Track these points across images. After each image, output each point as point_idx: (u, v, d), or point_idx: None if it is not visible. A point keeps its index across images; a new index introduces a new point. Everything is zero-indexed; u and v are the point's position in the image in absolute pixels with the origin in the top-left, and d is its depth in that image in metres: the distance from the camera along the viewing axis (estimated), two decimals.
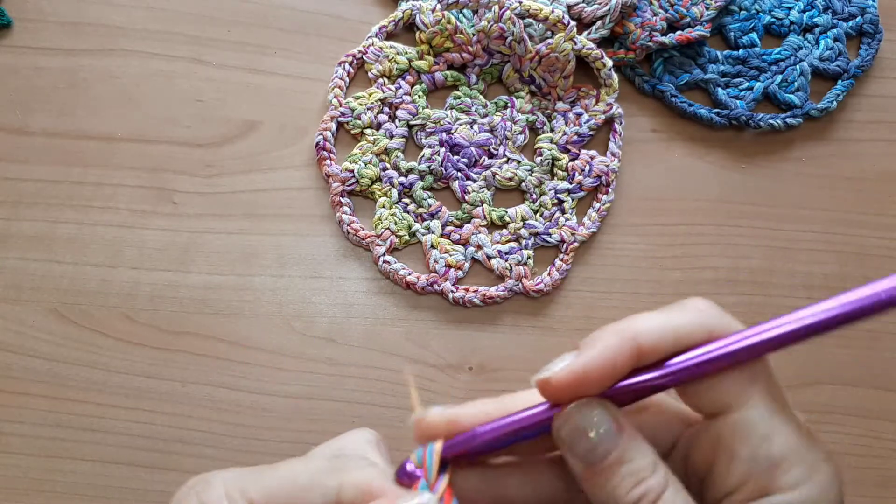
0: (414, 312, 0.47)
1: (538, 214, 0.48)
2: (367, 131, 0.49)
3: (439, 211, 0.48)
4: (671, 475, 0.21)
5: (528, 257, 0.47)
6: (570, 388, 0.21)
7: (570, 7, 0.51)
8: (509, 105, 0.50)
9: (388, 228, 0.47)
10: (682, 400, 0.24)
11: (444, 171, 0.48)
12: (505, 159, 0.49)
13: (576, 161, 0.49)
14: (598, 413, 0.21)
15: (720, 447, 0.22)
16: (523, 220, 0.48)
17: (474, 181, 0.49)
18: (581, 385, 0.21)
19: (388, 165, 0.49)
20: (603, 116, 0.50)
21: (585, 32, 0.50)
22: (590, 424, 0.21)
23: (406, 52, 0.51)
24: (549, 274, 0.47)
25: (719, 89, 0.51)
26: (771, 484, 0.21)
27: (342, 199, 0.48)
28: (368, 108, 0.49)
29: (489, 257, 0.47)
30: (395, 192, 0.48)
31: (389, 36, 0.52)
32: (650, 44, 0.50)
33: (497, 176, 0.49)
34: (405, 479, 0.23)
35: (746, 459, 0.21)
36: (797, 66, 0.52)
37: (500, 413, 0.23)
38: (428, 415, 0.23)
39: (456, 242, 0.48)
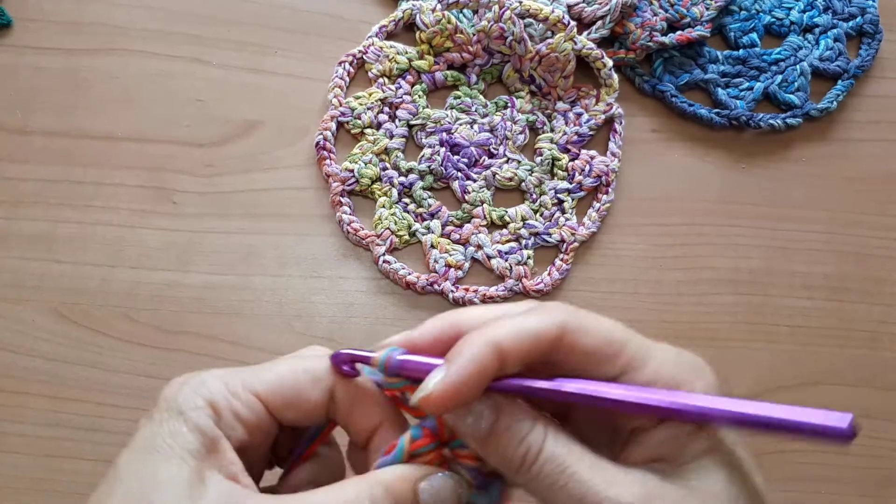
0: (414, 312, 0.47)
1: (538, 214, 0.48)
2: (367, 131, 0.49)
3: (439, 211, 0.48)
4: (550, 428, 0.24)
5: (528, 257, 0.47)
6: (447, 401, 0.23)
7: (570, 7, 0.51)
8: (509, 105, 0.50)
9: (388, 228, 0.47)
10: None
11: (444, 171, 0.48)
12: (505, 159, 0.49)
13: (576, 161, 0.49)
14: (476, 404, 0.24)
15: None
16: (523, 220, 0.48)
17: (474, 181, 0.49)
18: (456, 397, 0.23)
19: (388, 165, 0.49)
20: (603, 116, 0.50)
21: (585, 32, 0.50)
22: (470, 412, 0.24)
23: (406, 52, 0.51)
24: (549, 274, 0.47)
25: (719, 89, 0.51)
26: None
27: (342, 199, 0.48)
28: (368, 108, 0.49)
29: (489, 257, 0.47)
30: (395, 192, 0.48)
31: (389, 36, 0.52)
32: (650, 44, 0.50)
33: (497, 176, 0.49)
34: (343, 366, 0.26)
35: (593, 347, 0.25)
36: (797, 66, 0.52)
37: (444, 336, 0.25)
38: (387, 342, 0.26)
39: (456, 242, 0.48)
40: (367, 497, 0.24)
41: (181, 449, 0.24)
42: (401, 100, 0.50)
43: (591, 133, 0.50)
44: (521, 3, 0.49)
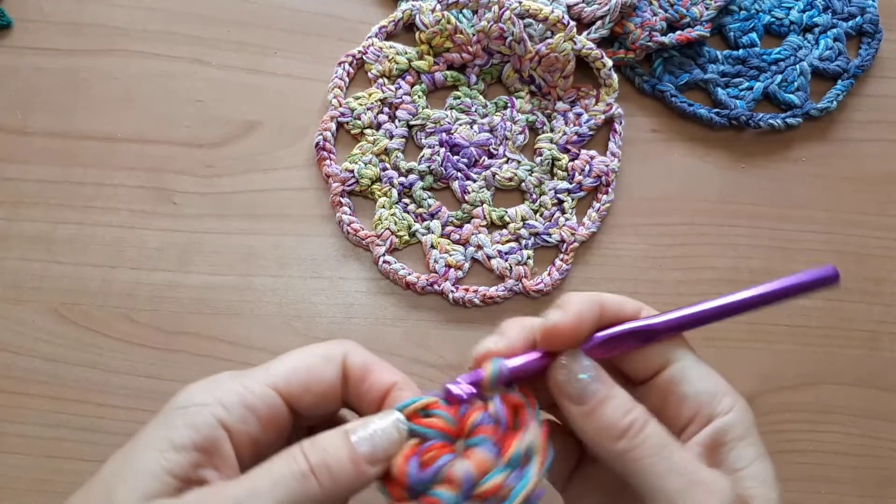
0: (414, 312, 0.47)
1: (538, 214, 0.48)
2: (367, 131, 0.49)
3: (439, 211, 0.48)
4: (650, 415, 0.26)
5: (528, 257, 0.47)
6: (569, 330, 0.26)
7: (570, 7, 0.51)
8: (509, 105, 0.50)
9: (388, 228, 0.47)
10: (623, 369, 0.29)
11: (444, 171, 0.48)
12: (505, 159, 0.49)
13: (576, 161, 0.49)
14: (586, 362, 0.27)
15: (668, 394, 0.28)
16: (523, 220, 0.48)
17: (474, 181, 0.49)
18: (575, 329, 0.27)
19: (388, 165, 0.49)
20: (603, 116, 0.50)
21: (585, 32, 0.50)
22: (580, 369, 0.26)
23: (406, 52, 0.51)
24: (549, 274, 0.47)
25: (719, 89, 0.51)
26: (713, 411, 0.27)
27: (342, 199, 0.48)
28: (368, 108, 0.49)
29: (489, 257, 0.47)
30: (395, 192, 0.48)
31: (389, 36, 0.52)
32: (650, 44, 0.50)
33: (497, 176, 0.49)
34: (451, 396, 0.27)
35: (693, 396, 0.27)
36: (797, 66, 0.52)
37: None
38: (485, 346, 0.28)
39: (456, 242, 0.48)
40: (298, 468, 0.24)
41: (165, 442, 0.24)
42: (400, 100, 0.50)
43: (590, 133, 0.50)
44: (520, 3, 0.49)
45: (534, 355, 0.27)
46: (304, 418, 0.28)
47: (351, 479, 0.25)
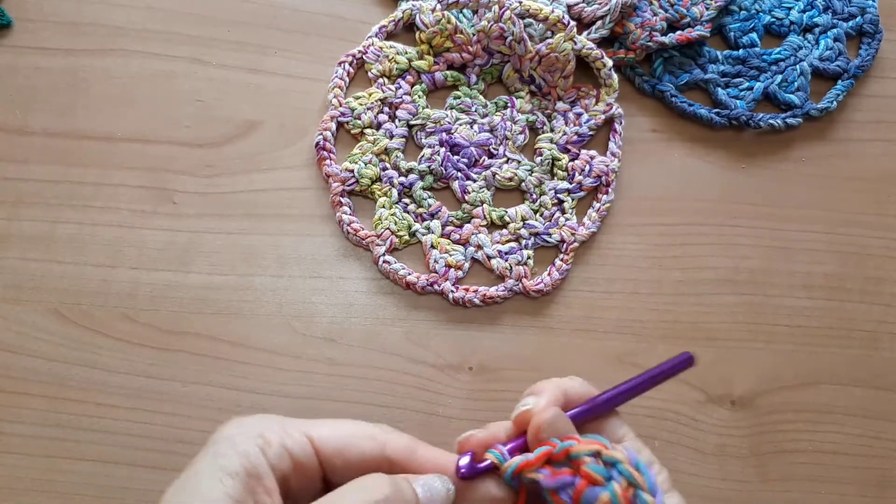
0: (414, 312, 0.47)
1: (538, 214, 0.48)
2: (367, 131, 0.49)
3: (439, 211, 0.48)
4: None
5: (528, 257, 0.47)
6: (545, 415, 0.28)
7: (570, 7, 0.51)
8: (509, 105, 0.50)
9: (388, 228, 0.47)
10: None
11: (444, 171, 0.48)
12: (505, 159, 0.49)
13: (576, 161, 0.49)
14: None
15: None
16: (523, 220, 0.48)
17: (474, 181, 0.49)
18: (550, 415, 0.28)
19: (388, 165, 0.49)
20: (603, 116, 0.50)
21: (585, 32, 0.50)
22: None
23: (406, 52, 0.51)
24: (549, 274, 0.47)
25: (719, 89, 0.51)
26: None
27: (342, 199, 0.48)
28: (368, 108, 0.49)
29: (489, 257, 0.47)
30: (395, 192, 0.48)
31: (389, 36, 0.52)
32: (650, 44, 0.50)
33: (497, 176, 0.49)
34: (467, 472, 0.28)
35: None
36: (797, 66, 0.52)
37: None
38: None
39: (456, 242, 0.48)
40: (384, 482, 0.26)
41: (220, 470, 0.25)
42: (401, 100, 0.50)
43: (591, 133, 0.50)
44: (521, 3, 0.49)
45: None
46: (332, 483, 0.28)
47: None
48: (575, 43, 0.49)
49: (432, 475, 0.27)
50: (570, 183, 0.49)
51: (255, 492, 0.25)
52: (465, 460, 0.28)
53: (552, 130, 0.50)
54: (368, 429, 0.28)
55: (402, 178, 0.48)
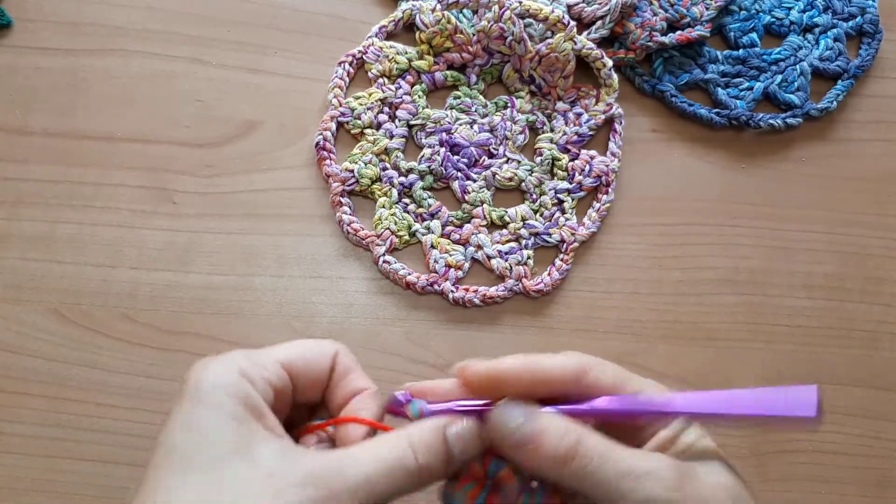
0: (414, 312, 0.47)
1: (538, 214, 0.48)
2: (367, 131, 0.49)
3: (439, 211, 0.48)
4: (579, 424, 0.27)
5: (528, 257, 0.47)
6: (482, 375, 0.28)
7: (570, 7, 0.51)
8: (509, 105, 0.50)
9: (388, 228, 0.47)
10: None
11: (444, 171, 0.48)
12: (505, 159, 0.49)
13: (576, 161, 0.49)
14: (512, 409, 0.27)
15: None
16: (523, 220, 0.48)
17: (474, 181, 0.49)
18: (491, 376, 0.28)
19: (388, 165, 0.49)
20: (603, 116, 0.50)
21: (585, 32, 0.50)
22: (508, 419, 0.27)
23: (406, 52, 0.51)
24: (549, 274, 0.47)
25: (719, 89, 0.51)
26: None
27: (342, 199, 0.48)
28: (368, 108, 0.49)
29: (489, 257, 0.47)
30: (395, 192, 0.48)
31: (389, 36, 0.52)
32: (650, 44, 0.50)
33: (497, 176, 0.49)
34: (395, 406, 0.29)
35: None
36: (797, 66, 0.52)
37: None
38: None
39: (456, 242, 0.48)
40: (406, 444, 0.26)
41: (228, 416, 0.25)
42: (401, 100, 0.50)
43: (591, 133, 0.50)
44: (521, 3, 0.49)
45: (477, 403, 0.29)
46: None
47: (441, 470, 0.27)
48: (575, 43, 0.49)
49: (464, 420, 0.28)
50: (570, 183, 0.49)
51: (266, 428, 0.26)
52: (399, 396, 0.29)
53: (552, 130, 0.50)
54: (321, 345, 0.30)
55: (402, 178, 0.48)
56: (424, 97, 0.50)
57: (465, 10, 0.51)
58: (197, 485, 0.24)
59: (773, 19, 0.53)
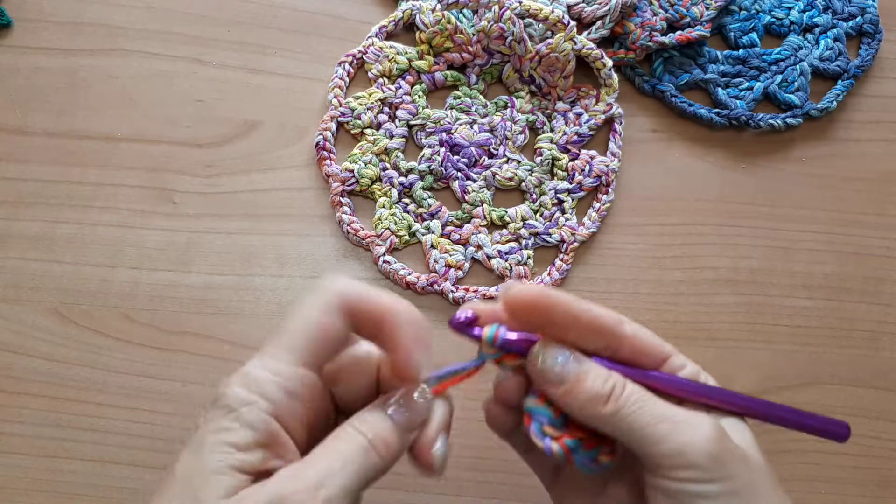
0: None
1: (538, 214, 0.48)
2: (367, 131, 0.49)
3: (439, 211, 0.48)
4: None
5: (528, 257, 0.47)
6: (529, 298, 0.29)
7: (570, 7, 0.51)
8: (509, 105, 0.50)
9: (388, 228, 0.47)
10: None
11: (444, 171, 0.48)
12: (505, 159, 0.49)
13: (576, 161, 0.49)
14: (556, 348, 0.29)
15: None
16: (523, 220, 0.48)
17: (474, 181, 0.49)
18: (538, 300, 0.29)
19: (388, 165, 0.49)
20: (603, 116, 0.50)
21: (585, 32, 0.50)
22: (553, 355, 0.28)
23: (406, 52, 0.51)
24: (549, 274, 0.47)
25: (719, 89, 0.51)
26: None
27: (342, 199, 0.48)
28: (368, 108, 0.49)
29: (489, 257, 0.47)
30: (395, 192, 0.48)
31: (389, 36, 0.52)
32: (650, 44, 0.50)
33: (497, 176, 0.49)
34: (459, 326, 0.30)
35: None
36: (797, 66, 0.52)
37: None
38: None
39: (456, 242, 0.48)
40: (359, 446, 0.26)
41: (228, 446, 0.25)
42: (401, 100, 0.50)
43: (591, 133, 0.50)
44: (521, 3, 0.49)
45: (534, 338, 0.29)
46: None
47: (401, 447, 0.27)
48: (575, 43, 0.49)
49: (403, 394, 0.28)
50: (570, 183, 0.49)
51: (268, 459, 0.25)
52: (464, 316, 0.30)
53: (552, 130, 0.50)
54: (321, 301, 0.28)
55: (402, 178, 0.48)
56: (424, 97, 0.50)
57: (465, 10, 0.51)
58: None
59: (773, 19, 0.53)
